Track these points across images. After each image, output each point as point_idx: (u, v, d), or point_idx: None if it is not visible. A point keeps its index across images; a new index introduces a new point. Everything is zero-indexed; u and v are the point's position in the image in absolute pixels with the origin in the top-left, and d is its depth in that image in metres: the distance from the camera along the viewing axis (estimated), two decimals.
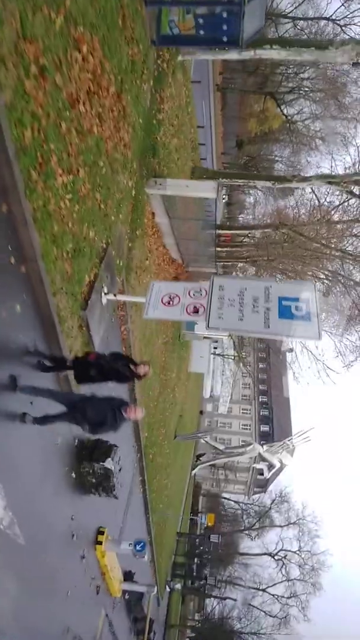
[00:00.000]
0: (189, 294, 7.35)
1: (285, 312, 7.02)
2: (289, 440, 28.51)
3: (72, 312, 6.21)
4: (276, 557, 54.97)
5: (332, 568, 53.30)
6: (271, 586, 52.20)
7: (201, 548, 35.51)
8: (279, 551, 55.11)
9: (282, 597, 50.65)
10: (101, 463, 8.03)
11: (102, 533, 9.84)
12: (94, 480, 8.35)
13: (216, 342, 51.01)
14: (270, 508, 59.29)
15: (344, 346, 30.04)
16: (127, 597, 12.27)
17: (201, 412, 66.43)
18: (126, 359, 6.14)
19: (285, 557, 54.68)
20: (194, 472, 42.92)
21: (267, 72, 38.51)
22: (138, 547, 9.80)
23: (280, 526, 56.52)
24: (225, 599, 51.35)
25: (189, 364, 31.31)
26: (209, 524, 21.65)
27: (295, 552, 54.51)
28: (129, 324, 10.29)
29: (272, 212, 33.39)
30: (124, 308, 9.87)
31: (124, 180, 8.17)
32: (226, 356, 43.51)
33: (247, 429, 74.38)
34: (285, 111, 37.04)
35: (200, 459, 54.33)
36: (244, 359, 77.81)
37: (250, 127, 49.31)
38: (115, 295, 7.36)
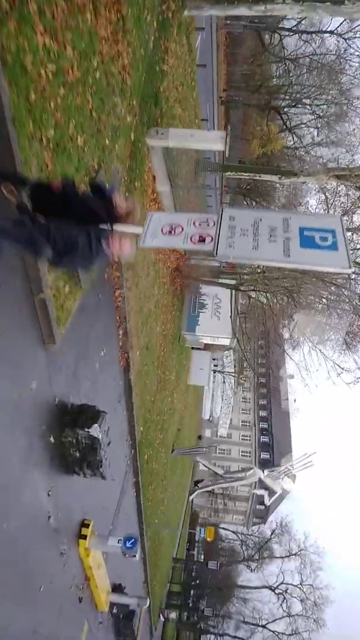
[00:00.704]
0: (194, 224, 6.25)
1: (308, 242, 5.91)
2: (290, 466, 27.23)
3: None
4: (277, 591, 52.03)
5: (335, 603, 50.38)
6: (272, 622, 49.12)
7: (198, 579, 33.24)
8: (279, 584, 52.24)
9: (284, 634, 47.59)
10: (86, 430, 6.76)
11: (86, 526, 8.45)
12: (77, 454, 7.05)
13: (215, 359, 49.70)
14: (270, 538, 56.60)
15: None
16: (115, 611, 10.71)
17: (199, 437, 64.43)
18: (107, 198, 4.23)
19: (286, 590, 51.78)
20: (191, 497, 40.85)
21: (271, 89, 38.69)
22: (128, 544, 8.41)
23: (281, 557, 53.76)
24: (223, 635, 48.26)
25: (188, 376, 29.98)
26: (208, 538, 19.96)
27: (296, 586, 51.66)
28: (124, 290, 9.17)
29: None
30: (118, 268, 8.78)
31: (121, 107, 7.22)
32: (226, 373, 42.12)
33: (247, 456, 72.18)
34: (288, 124, 36.95)
35: (198, 485, 52.14)
36: (244, 376, 76.21)
37: (253, 149, 49.40)
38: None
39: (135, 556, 8.36)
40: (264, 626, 48.95)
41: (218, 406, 50.56)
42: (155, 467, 16.67)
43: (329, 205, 20.53)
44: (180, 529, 39.36)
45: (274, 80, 41.18)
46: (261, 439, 75.54)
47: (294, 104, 36.99)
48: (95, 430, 6.78)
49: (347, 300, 29.18)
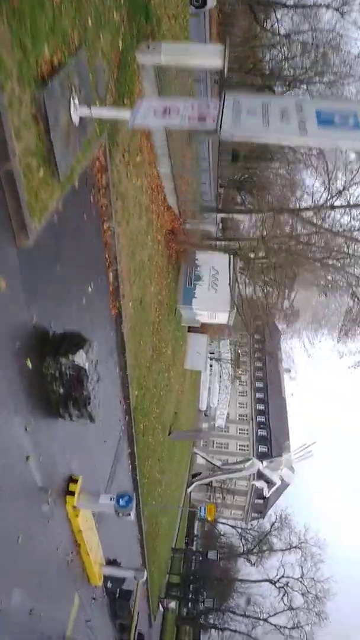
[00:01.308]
0: (192, 107, 5.36)
1: (327, 121, 5.06)
2: (289, 456, 26.56)
3: (21, 77, 4.20)
4: (277, 585, 51.17)
5: (337, 596, 49.54)
6: (273, 616, 48.27)
7: (197, 570, 32.32)
8: (280, 578, 51.37)
9: (285, 627, 46.75)
10: (70, 357, 5.83)
11: (75, 482, 7.52)
12: (61, 390, 6.12)
13: (212, 353, 48.81)
14: (270, 531, 55.73)
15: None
16: (109, 585, 9.78)
17: (197, 430, 63.51)
18: None
19: (287, 584, 50.94)
20: (190, 489, 40.00)
21: (265, 71, 37.92)
22: (122, 502, 7.49)
23: (282, 550, 52.93)
24: (224, 629, 47.39)
25: (185, 359, 29.08)
26: (209, 517, 19.03)
27: (297, 579, 50.83)
28: (113, 223, 8.25)
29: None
30: (106, 194, 7.86)
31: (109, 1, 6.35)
32: (223, 361, 41.25)
33: (244, 449, 71.42)
34: None
35: (196, 477, 51.26)
36: (241, 370, 75.38)
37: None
38: (89, 107, 5.36)
39: (130, 515, 7.44)
40: (265, 620, 48.10)
41: (215, 397, 49.63)
42: (151, 441, 15.75)
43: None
44: (179, 521, 38.47)
45: (269, 61, 40.31)
46: (259, 433, 74.81)
47: (288, 84, 36.17)
48: (80, 358, 5.85)
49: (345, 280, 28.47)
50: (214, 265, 19.32)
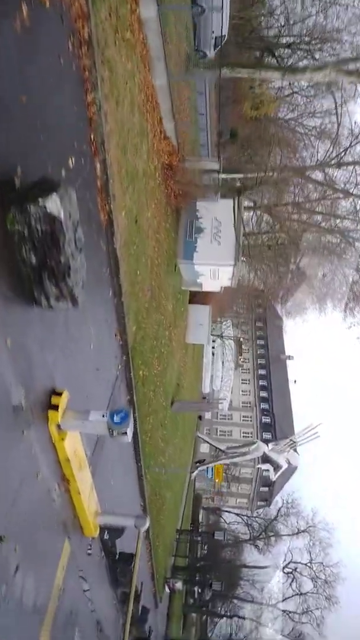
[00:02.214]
0: None
1: None
2: (295, 438, 25.43)
3: None
4: (285, 570, 50.07)
5: (347, 581, 48.36)
6: (282, 601, 47.17)
7: (203, 555, 31.05)
8: (288, 563, 50.27)
9: (295, 612, 45.63)
10: (41, 202, 4.47)
11: (59, 395, 6.19)
12: (33, 258, 4.77)
13: (214, 335, 47.45)
14: (277, 516, 54.57)
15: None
16: (106, 537, 8.48)
17: (200, 418, 62.40)
18: None
19: (295, 569, 49.81)
20: (193, 475, 38.82)
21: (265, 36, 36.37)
22: (116, 418, 6.18)
23: (289, 535, 51.78)
24: (232, 617, 46.28)
25: (186, 333, 27.75)
26: (216, 479, 17.76)
27: (306, 565, 49.69)
28: (99, 94, 6.89)
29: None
30: (89, 53, 6.50)
31: None
32: (226, 337, 39.93)
33: (248, 436, 70.36)
34: (283, 63, 34.52)
35: (200, 462, 50.00)
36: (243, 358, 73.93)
37: (245, 111, 47.06)
38: None
39: (126, 434, 6.12)
40: (274, 606, 47.01)
41: (218, 379, 48.32)
42: (152, 398, 14.43)
43: (339, 109, 18.31)
44: (184, 504, 37.24)
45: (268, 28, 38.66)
46: (262, 420, 73.78)
47: (288, 45, 34.61)
48: (54, 204, 4.49)
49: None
50: (216, 216, 17.95)
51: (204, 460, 47.16)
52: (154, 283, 13.05)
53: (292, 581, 48.70)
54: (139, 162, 9.71)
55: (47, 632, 6.49)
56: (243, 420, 73.09)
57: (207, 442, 32.39)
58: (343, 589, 47.64)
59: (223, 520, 65.00)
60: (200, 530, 38.69)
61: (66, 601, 7.24)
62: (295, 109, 28.64)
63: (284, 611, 46.02)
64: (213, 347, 53.97)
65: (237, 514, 65.95)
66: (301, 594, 47.08)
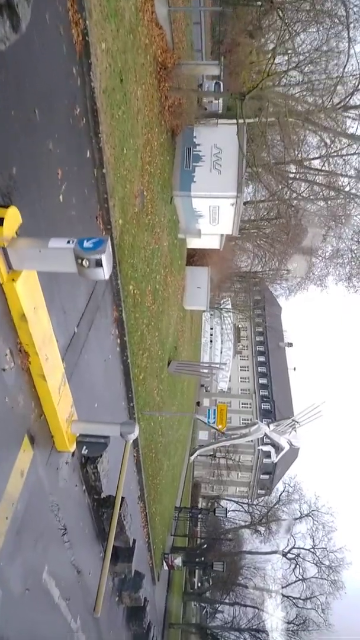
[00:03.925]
0: None
1: None
2: (298, 418, 23.84)
3: None
4: (288, 556, 48.38)
5: (352, 565, 46.79)
6: (284, 587, 45.51)
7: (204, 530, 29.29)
8: (291, 549, 48.60)
9: (299, 598, 43.96)
10: None
11: (4, 207, 4.35)
12: None
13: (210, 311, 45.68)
14: (279, 500, 52.92)
15: None
16: (85, 452, 6.67)
17: (198, 404, 60.74)
18: None
19: (298, 555, 48.15)
20: (192, 457, 37.18)
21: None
22: (87, 244, 4.37)
23: (292, 519, 50.11)
24: (234, 604, 44.61)
25: (183, 298, 25.96)
26: (219, 425, 15.99)
27: (309, 550, 48.07)
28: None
29: None
30: None
31: None
32: (225, 310, 38.14)
33: (248, 423, 68.82)
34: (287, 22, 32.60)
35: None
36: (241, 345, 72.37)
37: (242, 80, 45.22)
38: None
39: (101, 265, 4.29)
40: (277, 592, 45.32)
41: (217, 358, 46.58)
42: (145, 332, 12.57)
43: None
44: (183, 483, 35.48)
45: None
46: (262, 406, 72.51)
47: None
48: None
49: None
50: (216, 142, 16.12)
51: (202, 446, 45.53)
52: (145, 192, 11.20)
53: (295, 567, 47.09)
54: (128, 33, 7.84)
55: None
56: (242, 407, 71.75)
57: (206, 424, 30.64)
58: (348, 574, 46.12)
59: (224, 508, 63.33)
60: (200, 508, 36.94)
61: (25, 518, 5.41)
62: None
63: (287, 597, 44.37)
64: (211, 329, 52.31)
65: (237, 502, 64.40)
66: (304, 579, 45.47)
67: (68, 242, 4.44)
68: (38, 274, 4.97)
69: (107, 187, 7.72)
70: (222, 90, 17.09)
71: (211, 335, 54.92)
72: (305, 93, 15.84)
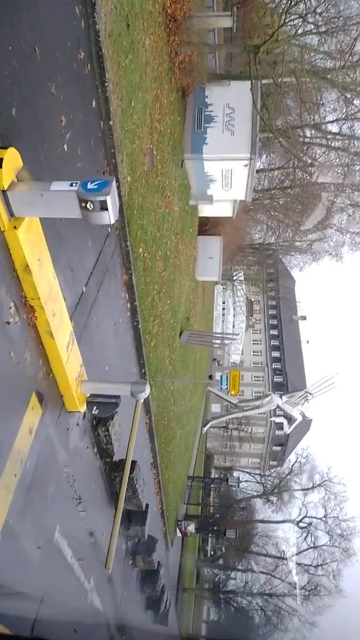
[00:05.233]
0: None
1: None
2: (311, 390, 23.53)
3: None
4: (300, 525, 49.11)
5: None
6: (296, 555, 46.35)
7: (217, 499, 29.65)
8: (303, 518, 49.27)
9: (310, 565, 44.79)
10: None
11: (3, 148, 4.08)
12: None
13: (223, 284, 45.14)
14: (291, 470, 53.42)
15: None
16: (95, 412, 6.57)
17: (210, 377, 60.93)
18: None
19: (310, 524, 48.83)
20: (204, 429, 37.32)
21: None
22: (91, 185, 4.12)
23: (304, 489, 50.67)
24: (246, 570, 45.64)
25: (195, 268, 25.55)
26: (232, 392, 15.93)
27: (321, 519, 48.67)
28: None
29: None
30: None
31: None
32: (237, 281, 37.67)
33: (259, 395, 68.68)
34: None
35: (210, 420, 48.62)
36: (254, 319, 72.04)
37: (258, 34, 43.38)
38: None
39: (106, 207, 4.02)
40: (289, 559, 46.20)
41: (229, 331, 46.28)
42: (156, 299, 12.34)
43: None
44: (196, 454, 35.83)
45: None
46: (275, 379, 72.42)
47: None
48: None
49: None
50: (228, 102, 15.46)
51: (214, 418, 45.62)
52: (155, 151, 10.78)
53: (307, 535, 47.83)
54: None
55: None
56: (255, 380, 71.75)
57: (219, 396, 30.64)
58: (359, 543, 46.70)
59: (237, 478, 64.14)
60: (213, 478, 37.41)
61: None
62: None
63: (299, 564, 45.22)
64: (224, 302, 51.86)
65: (250, 473, 65.15)
66: (316, 547, 46.19)
67: (71, 184, 4.17)
68: (43, 231, 4.74)
69: (115, 141, 7.38)
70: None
71: (223, 308, 54.55)
72: (323, 46, 14.99)
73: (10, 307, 4.61)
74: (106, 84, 6.77)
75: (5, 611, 4.69)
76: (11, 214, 4.35)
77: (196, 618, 38.55)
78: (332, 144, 28.52)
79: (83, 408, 6.45)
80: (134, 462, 9.25)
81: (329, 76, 17.26)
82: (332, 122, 27.67)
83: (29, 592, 5.51)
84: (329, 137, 28.42)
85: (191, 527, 21.48)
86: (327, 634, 41.52)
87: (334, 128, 28.63)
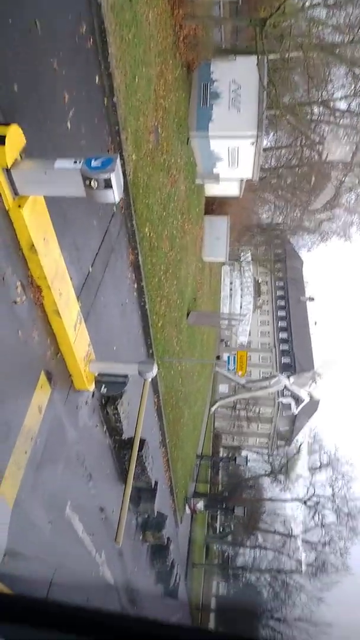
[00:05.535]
0: None
1: None
2: (318, 370, 23.37)
3: None
4: (308, 504, 49.70)
5: None
6: (304, 533, 47.00)
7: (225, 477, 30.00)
8: (310, 497, 49.80)
9: (317, 543, 45.45)
10: None
11: (5, 125, 4.05)
12: None
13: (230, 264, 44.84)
14: (299, 449, 53.83)
15: None
16: (104, 390, 6.63)
17: (218, 357, 61.05)
18: None
19: (318, 503, 49.40)
20: (212, 409, 37.57)
21: None
22: (95, 163, 4.08)
23: (312, 469, 51.13)
24: (255, 547, 46.44)
25: (202, 249, 25.38)
26: (239, 372, 15.99)
27: (328, 498, 49.18)
28: None
29: None
30: None
31: None
32: (244, 262, 37.44)
33: (267, 376, 68.87)
34: None
35: (218, 400, 48.90)
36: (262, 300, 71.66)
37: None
38: None
39: (110, 185, 3.99)
40: (296, 537, 46.91)
41: (237, 312, 46.21)
42: (163, 280, 12.31)
43: None
44: (204, 434, 36.19)
45: None
46: (282, 360, 72.46)
47: None
48: None
49: None
50: (234, 78, 15.15)
51: (221, 398, 45.82)
52: (160, 128, 10.63)
53: (315, 514, 48.41)
54: None
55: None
56: (262, 361, 71.85)
57: (226, 376, 30.77)
58: None
59: (245, 458, 64.81)
60: (221, 456, 37.86)
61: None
62: None
63: (306, 542, 45.88)
64: (231, 283, 51.64)
65: (258, 452, 65.73)
66: (323, 525, 46.79)
67: (75, 162, 4.14)
68: (48, 210, 4.73)
69: (119, 118, 7.28)
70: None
71: (231, 289, 54.37)
72: (332, 20, 14.59)
73: (17, 287, 4.63)
74: (109, 59, 6.66)
75: (20, 575, 4.82)
76: (15, 193, 4.33)
77: (206, 592, 39.47)
78: (341, 122, 27.94)
79: (92, 387, 6.52)
80: (142, 441, 9.37)
81: (337, 51, 16.85)
82: (340, 99, 27.09)
83: (42, 563, 5.66)
84: (337, 114, 27.86)
85: (200, 505, 21.83)
86: (334, 609, 42.35)
87: (342, 105, 28.05)
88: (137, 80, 8.22)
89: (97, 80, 6.68)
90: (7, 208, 4.32)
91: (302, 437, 57.13)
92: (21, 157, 4.28)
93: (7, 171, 4.15)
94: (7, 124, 4.07)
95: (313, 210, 36.77)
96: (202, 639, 1.16)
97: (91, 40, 6.31)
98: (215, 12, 15.20)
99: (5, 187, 4.19)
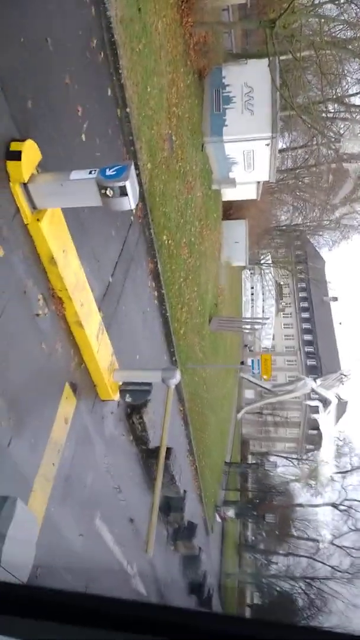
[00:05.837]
0: None
1: None
2: (345, 372, 22.94)
3: None
4: (340, 508, 48.64)
5: None
6: (337, 538, 45.93)
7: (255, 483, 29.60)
8: (343, 500, 48.74)
9: (352, 548, 44.35)
10: None
11: (21, 141, 4.09)
12: None
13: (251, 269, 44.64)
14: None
15: None
16: (128, 399, 6.61)
17: (242, 363, 60.61)
18: None
19: (351, 507, 48.31)
20: (239, 415, 37.24)
21: None
22: (109, 172, 4.06)
23: (343, 472, 50.06)
24: (288, 555, 45.60)
25: (221, 252, 25.32)
26: (264, 375, 15.75)
27: None
28: None
29: None
30: None
31: None
32: (265, 265, 37.17)
33: (292, 379, 68.10)
34: None
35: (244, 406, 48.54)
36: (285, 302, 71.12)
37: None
38: None
39: (126, 192, 3.95)
40: (330, 542, 45.89)
41: (259, 316, 45.89)
42: (183, 286, 12.29)
43: None
44: (232, 439, 35.89)
45: None
46: (308, 363, 71.48)
47: None
48: None
49: None
50: (246, 81, 15.12)
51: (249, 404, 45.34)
52: (174, 136, 10.66)
53: (348, 518, 47.31)
54: None
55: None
56: (287, 364, 71.03)
57: (252, 382, 30.45)
58: None
59: (274, 463, 63.98)
60: (249, 463, 37.46)
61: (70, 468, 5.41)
62: None
63: (340, 547, 44.83)
64: (252, 287, 51.37)
65: (286, 457, 64.79)
66: (358, 530, 45.67)
67: (90, 172, 4.16)
68: (66, 222, 4.76)
69: (132, 128, 7.32)
70: None
71: (252, 293, 54.09)
72: (343, 16, 14.44)
73: (39, 300, 4.66)
74: (120, 71, 6.71)
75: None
76: (33, 207, 4.38)
77: (240, 602, 38.92)
78: (357, 117, 27.60)
79: (116, 396, 6.51)
80: (169, 449, 9.30)
81: (349, 46, 16.65)
82: (355, 94, 26.78)
83: (74, 576, 5.64)
84: (352, 110, 27.53)
85: (230, 512, 21.58)
86: None
87: (357, 100, 27.72)
88: (149, 90, 8.27)
89: (109, 93, 6.74)
90: (25, 222, 4.36)
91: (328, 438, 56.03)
92: (37, 171, 4.32)
93: (25, 186, 4.19)
94: (22, 139, 4.12)
95: (333, 206, 36.33)
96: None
97: (102, 53, 6.38)
98: (225, 17, 15.26)
99: (23, 202, 4.24)
